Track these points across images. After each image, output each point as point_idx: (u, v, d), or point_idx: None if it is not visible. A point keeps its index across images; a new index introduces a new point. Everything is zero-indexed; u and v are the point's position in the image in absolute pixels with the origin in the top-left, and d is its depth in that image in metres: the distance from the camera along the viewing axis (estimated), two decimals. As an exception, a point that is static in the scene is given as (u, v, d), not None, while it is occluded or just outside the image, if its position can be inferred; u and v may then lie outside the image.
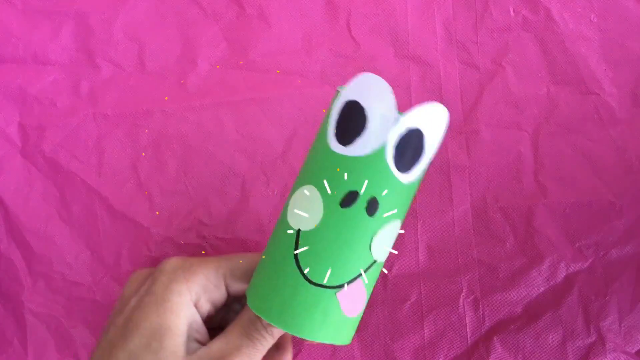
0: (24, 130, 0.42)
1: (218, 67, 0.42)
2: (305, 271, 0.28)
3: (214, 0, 0.42)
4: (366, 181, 0.28)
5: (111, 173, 0.41)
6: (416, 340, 0.40)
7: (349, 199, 0.28)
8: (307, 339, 0.28)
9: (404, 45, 0.42)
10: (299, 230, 0.28)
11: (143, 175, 0.41)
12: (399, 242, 0.40)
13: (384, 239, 0.29)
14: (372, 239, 0.28)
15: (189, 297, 0.30)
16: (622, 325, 0.39)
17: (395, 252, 0.31)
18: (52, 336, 0.40)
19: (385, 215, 0.28)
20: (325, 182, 0.28)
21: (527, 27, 0.42)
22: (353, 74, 0.42)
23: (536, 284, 0.40)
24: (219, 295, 0.32)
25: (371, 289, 0.30)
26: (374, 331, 0.40)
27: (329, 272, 0.28)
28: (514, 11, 0.42)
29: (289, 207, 0.29)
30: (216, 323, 0.34)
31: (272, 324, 0.28)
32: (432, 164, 0.41)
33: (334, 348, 0.40)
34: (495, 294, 0.40)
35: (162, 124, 0.42)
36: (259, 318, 0.30)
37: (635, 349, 0.39)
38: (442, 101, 0.41)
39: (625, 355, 0.39)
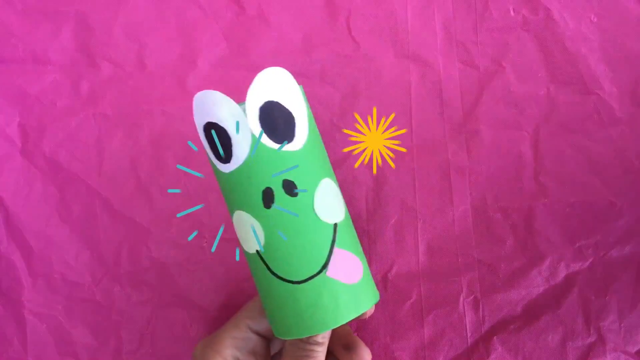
0: (24, 130, 0.42)
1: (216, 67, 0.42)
2: (288, 277, 0.28)
3: (214, 0, 0.42)
4: (266, 173, 0.28)
5: (111, 173, 0.41)
6: (416, 340, 0.40)
7: (267, 198, 0.28)
8: (335, 326, 0.28)
9: (404, 45, 0.42)
10: (258, 251, 0.29)
11: (143, 175, 0.41)
12: (399, 242, 0.40)
13: (325, 202, 0.29)
14: (314, 210, 0.28)
15: None
16: (622, 325, 0.39)
17: (342, 208, 0.31)
18: (52, 336, 0.40)
19: (307, 185, 0.29)
20: (240, 200, 0.29)
21: (527, 27, 0.42)
22: (353, 74, 0.42)
23: (536, 284, 0.40)
24: (254, 343, 0.33)
25: (356, 246, 0.30)
26: (374, 331, 0.40)
27: (305, 264, 0.28)
28: (514, 11, 0.42)
29: (239, 239, 0.30)
30: None
31: (300, 337, 0.29)
32: (433, 164, 0.41)
33: (334, 348, 0.40)
34: (495, 294, 0.40)
35: (162, 124, 0.42)
36: (298, 339, 0.30)
37: (635, 349, 0.39)
38: (442, 101, 0.41)
39: (625, 355, 0.39)
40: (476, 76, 0.42)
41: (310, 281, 0.28)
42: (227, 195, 0.30)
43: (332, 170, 0.31)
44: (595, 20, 0.41)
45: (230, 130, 0.28)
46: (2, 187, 0.41)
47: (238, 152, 0.28)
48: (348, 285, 0.29)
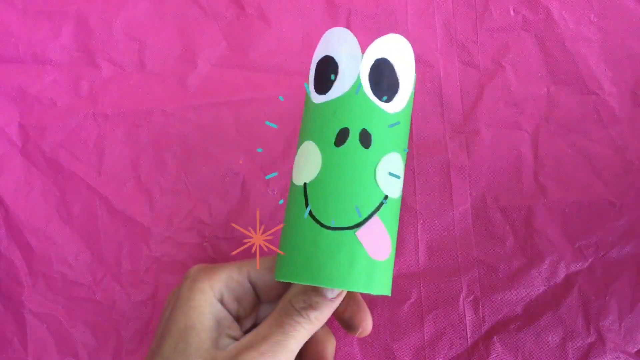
0: (24, 130, 0.42)
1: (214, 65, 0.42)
2: (320, 218, 0.28)
3: (214, 0, 0.42)
4: (352, 116, 0.29)
5: (111, 173, 0.41)
6: (416, 340, 0.40)
7: (341, 136, 0.29)
8: (339, 287, 0.28)
9: (404, 45, 0.42)
10: (305, 184, 0.29)
11: (143, 175, 0.41)
12: (399, 242, 0.40)
13: (387, 170, 0.29)
14: (374, 171, 0.29)
15: (212, 294, 0.31)
16: (622, 325, 0.39)
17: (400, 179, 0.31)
18: (52, 336, 0.40)
19: (381, 145, 0.29)
20: (316, 131, 0.30)
21: (527, 27, 0.42)
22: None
23: (536, 284, 0.40)
24: (244, 292, 0.32)
25: (394, 230, 0.30)
26: (374, 331, 0.40)
27: (342, 213, 0.28)
28: (514, 11, 0.42)
29: (293, 169, 0.31)
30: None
31: (301, 282, 0.28)
32: (433, 164, 0.41)
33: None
34: (495, 294, 0.40)
35: (162, 124, 0.42)
36: (290, 304, 0.30)
37: (635, 349, 0.39)
38: (442, 101, 0.41)
39: (625, 355, 0.39)
40: (476, 76, 0.42)
41: (337, 231, 0.28)
42: (305, 125, 0.31)
43: (405, 153, 0.32)
44: (595, 20, 0.41)
45: (342, 66, 0.29)
46: (2, 187, 0.41)
47: (337, 88, 0.29)
48: (370, 258, 0.29)
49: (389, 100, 0.30)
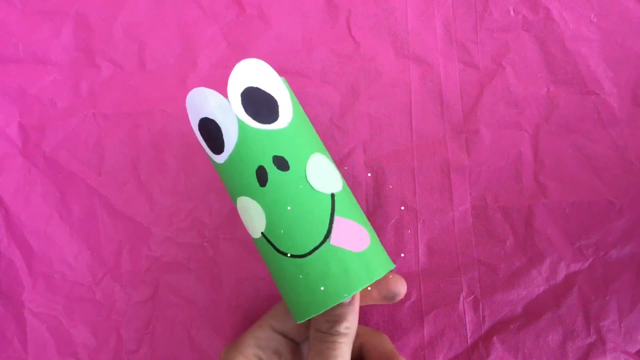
0: (24, 130, 0.42)
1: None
2: (294, 252, 0.29)
3: (214, 0, 0.42)
4: (257, 152, 0.29)
5: (111, 173, 0.41)
6: (416, 340, 0.40)
7: (261, 175, 0.29)
8: (351, 294, 0.29)
9: (404, 45, 0.42)
10: (262, 233, 0.30)
11: (143, 175, 0.41)
12: (399, 242, 0.40)
13: (318, 174, 0.30)
14: (308, 182, 0.29)
15: None
16: (622, 325, 0.39)
17: (339, 177, 0.32)
18: (52, 336, 0.40)
19: (297, 159, 0.30)
20: (239, 185, 0.30)
21: (527, 27, 0.42)
22: (353, 74, 0.42)
23: (536, 284, 0.40)
24: (277, 343, 0.34)
25: (358, 215, 0.31)
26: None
27: (309, 235, 0.29)
28: (514, 11, 0.42)
29: (246, 227, 0.32)
30: None
31: (316, 313, 0.29)
32: (433, 164, 0.41)
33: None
34: (495, 294, 0.40)
35: (162, 124, 0.42)
36: (318, 331, 0.31)
37: (635, 349, 0.39)
38: (442, 101, 0.41)
39: (625, 355, 0.39)
40: (476, 76, 0.42)
41: (316, 252, 0.29)
42: (228, 186, 0.32)
43: (323, 146, 0.32)
44: (595, 20, 0.41)
45: (219, 120, 0.30)
46: (2, 187, 0.41)
47: (229, 140, 0.30)
48: (356, 253, 0.29)
49: (275, 119, 0.30)
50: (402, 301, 0.40)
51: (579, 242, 0.40)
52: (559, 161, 0.41)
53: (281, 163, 0.29)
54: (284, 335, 0.34)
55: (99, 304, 0.40)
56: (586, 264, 0.40)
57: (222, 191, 0.41)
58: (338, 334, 0.30)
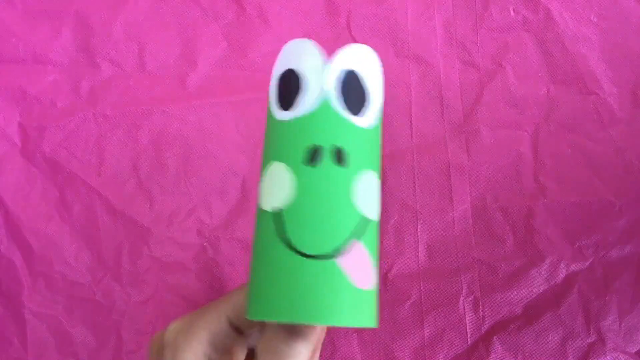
0: (24, 130, 0.42)
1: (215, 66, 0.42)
2: (298, 247, 0.25)
3: (214, 0, 0.42)
4: (323, 132, 0.27)
5: (111, 173, 0.41)
6: (416, 340, 0.40)
7: (313, 154, 0.26)
8: (324, 324, 0.25)
9: (404, 45, 0.42)
10: (280, 210, 0.26)
11: (143, 175, 0.41)
12: (399, 242, 0.40)
13: (364, 191, 0.27)
14: (351, 190, 0.26)
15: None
16: (622, 325, 0.39)
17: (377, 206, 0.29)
18: (52, 336, 0.40)
19: (356, 163, 0.27)
20: (284, 151, 0.27)
21: (527, 27, 0.42)
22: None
23: (536, 284, 0.40)
24: (232, 339, 0.30)
25: (375, 254, 0.28)
26: (374, 331, 0.40)
27: (320, 238, 0.25)
28: (514, 11, 0.42)
29: (261, 193, 0.28)
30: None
31: (279, 320, 0.25)
32: (433, 164, 0.41)
33: (333, 348, 0.40)
34: (495, 294, 0.40)
35: (162, 124, 0.42)
36: (284, 330, 0.27)
37: (635, 349, 0.39)
38: (442, 101, 0.41)
39: (625, 355, 0.39)
40: (476, 76, 0.42)
41: (319, 260, 0.25)
42: (271, 145, 0.28)
43: (380, 171, 0.29)
44: (595, 20, 0.41)
45: (306, 79, 0.27)
46: (2, 187, 0.41)
47: (304, 102, 0.27)
48: (354, 287, 0.26)
49: (359, 114, 0.28)
50: (402, 301, 0.40)
51: (579, 242, 0.40)
52: (559, 161, 0.41)
53: (340, 155, 0.27)
54: (238, 329, 0.30)
55: (99, 304, 0.40)
56: (586, 264, 0.40)
57: (222, 191, 0.41)
58: (304, 338, 0.27)
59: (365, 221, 0.27)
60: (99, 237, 0.41)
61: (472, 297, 0.40)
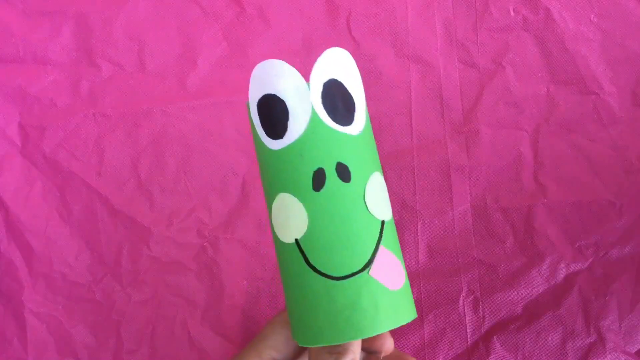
0: (24, 130, 0.42)
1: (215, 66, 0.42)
2: (326, 271, 0.26)
3: (214, 0, 0.42)
4: (321, 153, 0.26)
5: (111, 173, 0.41)
6: (416, 340, 0.40)
7: (318, 179, 0.26)
8: (370, 335, 0.26)
9: (404, 45, 0.42)
10: (297, 240, 0.26)
11: (143, 175, 0.41)
12: (399, 242, 0.40)
13: (375, 196, 0.27)
14: (365, 202, 0.27)
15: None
16: (622, 325, 0.39)
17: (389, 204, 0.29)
18: (52, 336, 0.40)
19: (360, 173, 0.27)
20: (288, 181, 0.27)
21: (527, 27, 0.42)
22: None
23: (536, 284, 0.40)
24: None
25: (399, 252, 0.28)
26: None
27: (348, 258, 0.26)
28: (514, 11, 0.42)
29: (274, 226, 0.28)
30: None
31: (330, 343, 0.26)
32: (433, 164, 0.41)
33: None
34: (495, 294, 0.40)
35: (162, 124, 0.42)
36: (324, 350, 0.28)
37: (635, 349, 0.39)
38: (442, 101, 0.41)
39: (625, 355, 0.39)
40: (476, 76, 0.42)
41: (351, 279, 0.26)
42: (271, 176, 0.28)
43: (381, 167, 0.29)
44: (595, 20, 0.41)
45: (290, 103, 0.26)
46: (2, 187, 0.41)
47: (294, 127, 0.26)
48: (389, 290, 0.26)
49: (350, 122, 0.27)
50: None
51: (579, 242, 0.40)
52: (559, 161, 0.41)
53: (344, 172, 0.26)
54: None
55: (99, 304, 0.40)
56: (586, 264, 0.40)
57: (222, 191, 0.41)
58: (345, 355, 0.27)
59: (383, 225, 0.27)
60: (99, 237, 0.41)
61: (472, 297, 0.40)
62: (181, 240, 0.41)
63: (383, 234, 0.27)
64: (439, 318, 0.40)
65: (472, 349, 0.40)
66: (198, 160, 0.41)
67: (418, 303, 0.40)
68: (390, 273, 0.27)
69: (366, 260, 0.26)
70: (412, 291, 0.40)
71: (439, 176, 0.41)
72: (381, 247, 0.26)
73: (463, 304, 0.40)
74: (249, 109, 0.28)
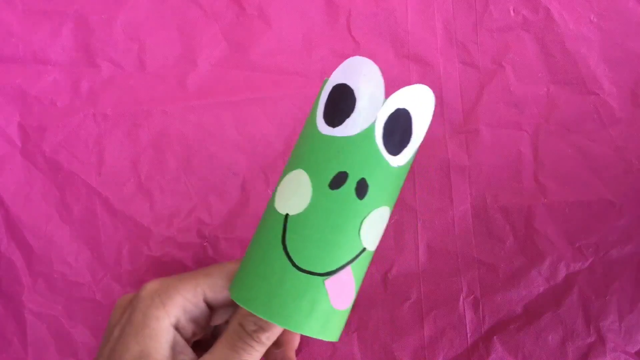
0: (24, 130, 0.42)
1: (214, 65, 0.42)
2: (293, 257, 0.27)
3: (214, 0, 0.42)
4: (355, 161, 0.27)
5: (111, 173, 0.41)
6: (416, 340, 0.40)
7: (338, 180, 0.27)
8: (293, 330, 0.27)
9: (404, 45, 0.42)
10: (287, 215, 0.28)
11: (143, 175, 0.41)
12: (399, 242, 0.40)
13: (373, 225, 0.28)
14: (361, 223, 0.28)
15: (168, 322, 0.30)
16: (622, 325, 0.39)
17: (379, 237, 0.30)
18: (52, 336, 0.40)
19: (374, 198, 0.28)
20: (313, 164, 0.28)
21: (527, 27, 0.42)
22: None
23: (536, 284, 0.40)
24: (200, 313, 0.32)
25: (360, 281, 0.29)
26: (374, 331, 0.40)
27: (317, 257, 0.27)
28: (514, 11, 0.42)
29: (277, 192, 0.29)
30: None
31: (256, 314, 0.27)
32: (433, 164, 0.41)
33: (334, 348, 0.40)
34: (495, 294, 0.40)
35: (162, 124, 0.42)
36: (242, 328, 0.29)
37: (635, 349, 0.39)
38: (442, 101, 0.41)
39: (625, 355, 0.39)
40: (476, 76, 0.42)
41: (307, 275, 0.27)
42: (304, 152, 0.29)
43: (394, 205, 0.30)
44: (595, 20, 0.41)
45: (359, 105, 0.27)
46: (2, 187, 0.41)
47: (348, 127, 0.27)
48: (330, 305, 0.28)
49: (396, 153, 0.28)
50: (402, 301, 0.40)
51: (579, 242, 0.40)
52: (559, 161, 0.41)
53: (362, 189, 0.27)
54: (208, 304, 0.32)
55: (99, 304, 0.40)
56: (586, 264, 0.40)
57: (222, 191, 0.41)
58: (259, 340, 0.29)
59: (363, 252, 0.28)
60: (99, 237, 0.41)
61: (472, 297, 0.40)
62: (181, 240, 0.41)
63: (358, 259, 0.28)
64: (439, 318, 0.40)
65: (472, 349, 0.40)
66: (198, 160, 0.41)
67: (418, 303, 0.40)
68: (340, 293, 0.28)
69: (330, 269, 0.27)
70: (412, 291, 0.40)
71: (439, 176, 0.41)
72: (348, 267, 0.28)
73: (463, 304, 0.40)
74: (323, 85, 0.29)
